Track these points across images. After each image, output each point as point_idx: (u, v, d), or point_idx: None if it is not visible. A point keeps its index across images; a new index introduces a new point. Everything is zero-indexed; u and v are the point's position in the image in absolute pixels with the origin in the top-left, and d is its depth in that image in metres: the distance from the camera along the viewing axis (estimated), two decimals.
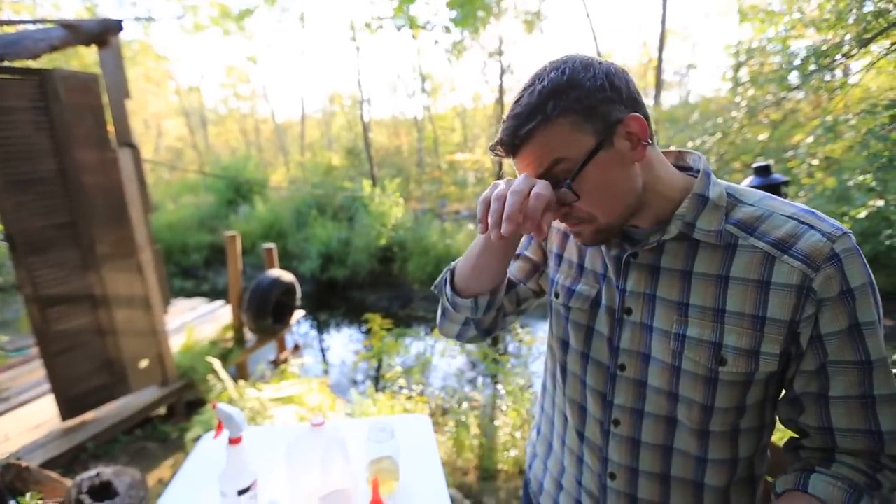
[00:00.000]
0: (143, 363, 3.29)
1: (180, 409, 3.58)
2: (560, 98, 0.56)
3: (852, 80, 4.79)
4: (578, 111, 0.57)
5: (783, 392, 0.65)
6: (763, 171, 1.37)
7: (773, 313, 0.56)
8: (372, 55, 29.59)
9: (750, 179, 1.47)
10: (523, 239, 0.86)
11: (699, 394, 0.61)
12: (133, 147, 3.19)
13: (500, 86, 13.16)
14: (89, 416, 3.11)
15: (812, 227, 0.56)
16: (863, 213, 3.45)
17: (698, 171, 0.66)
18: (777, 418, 0.67)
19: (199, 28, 16.14)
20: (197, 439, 2.91)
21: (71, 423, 3.04)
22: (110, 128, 3.05)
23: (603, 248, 0.71)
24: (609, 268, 0.69)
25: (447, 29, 10.20)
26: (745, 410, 0.62)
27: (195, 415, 3.14)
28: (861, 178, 3.32)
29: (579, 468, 0.75)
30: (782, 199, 0.62)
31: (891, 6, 3.71)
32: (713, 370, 0.59)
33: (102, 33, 3.00)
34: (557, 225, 0.79)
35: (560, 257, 0.78)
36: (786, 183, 1.41)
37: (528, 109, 0.58)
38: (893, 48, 4.00)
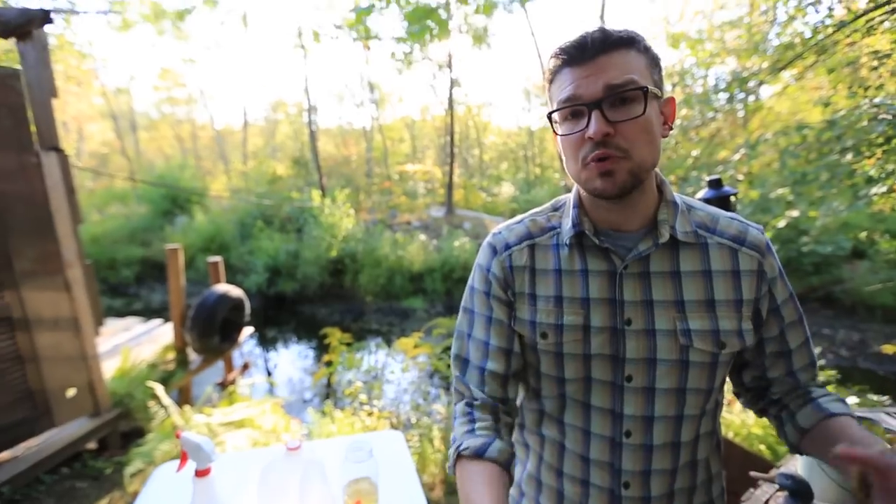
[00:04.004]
0: (71, 392, 2.96)
1: (115, 442, 3.24)
2: (642, 39, 0.64)
3: (768, 103, 5.35)
4: (652, 58, 0.64)
5: (746, 361, 0.74)
6: (715, 184, 1.50)
7: (746, 295, 0.67)
8: (318, 63, 29.03)
9: (704, 191, 1.60)
10: (479, 332, 0.76)
11: (704, 381, 0.68)
12: (60, 151, 2.89)
13: (450, 98, 13.38)
14: (5, 455, 2.74)
15: (748, 225, 0.70)
16: (782, 223, 3.85)
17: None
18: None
19: (128, 25, 15.09)
20: (136, 474, 2.67)
21: None
22: (33, 129, 2.75)
23: (586, 267, 0.69)
24: (596, 287, 0.68)
25: (406, 41, 10.22)
26: (724, 383, 0.73)
27: (133, 446, 2.86)
28: (780, 191, 3.70)
29: (584, 492, 0.73)
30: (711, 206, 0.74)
31: (797, 39, 4.20)
32: (716, 355, 0.67)
33: (24, 24, 2.72)
34: (521, 262, 0.73)
35: (533, 296, 0.72)
36: (735, 194, 1.55)
37: (617, 30, 0.62)
38: (800, 76, 4.52)
